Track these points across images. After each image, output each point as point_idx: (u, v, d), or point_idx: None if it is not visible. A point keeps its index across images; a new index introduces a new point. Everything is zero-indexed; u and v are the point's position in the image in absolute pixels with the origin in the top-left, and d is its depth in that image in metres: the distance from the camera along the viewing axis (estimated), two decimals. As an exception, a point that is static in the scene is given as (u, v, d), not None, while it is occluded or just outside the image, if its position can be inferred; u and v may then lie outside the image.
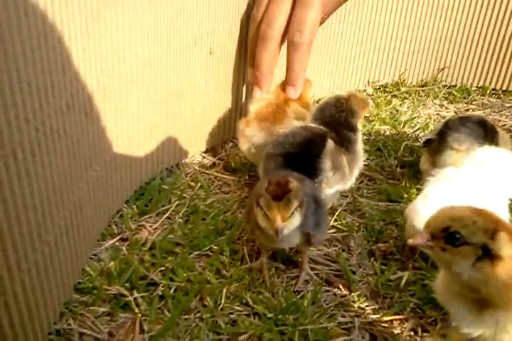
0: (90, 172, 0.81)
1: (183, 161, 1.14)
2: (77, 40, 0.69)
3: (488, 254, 0.56)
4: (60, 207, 0.70)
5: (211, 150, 1.21)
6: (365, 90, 1.51)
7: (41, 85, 0.60)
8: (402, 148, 1.23)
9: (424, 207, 0.79)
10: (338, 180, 0.91)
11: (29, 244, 0.62)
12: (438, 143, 0.99)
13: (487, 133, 0.97)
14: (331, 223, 0.97)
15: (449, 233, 0.58)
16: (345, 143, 0.94)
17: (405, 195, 1.05)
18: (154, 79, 0.94)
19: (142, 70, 0.89)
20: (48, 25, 0.62)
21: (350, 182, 0.96)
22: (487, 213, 0.59)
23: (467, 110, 1.48)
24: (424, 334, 0.76)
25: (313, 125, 0.95)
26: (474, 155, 0.86)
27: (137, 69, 0.88)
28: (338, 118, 0.96)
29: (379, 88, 1.53)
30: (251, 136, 1.01)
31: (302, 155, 0.89)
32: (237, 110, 1.20)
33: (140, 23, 0.85)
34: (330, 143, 0.91)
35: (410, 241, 0.61)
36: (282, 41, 1.03)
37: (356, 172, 0.96)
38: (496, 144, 0.95)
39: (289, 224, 0.73)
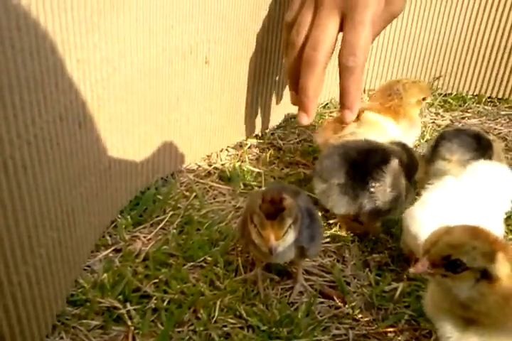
0: (84, 183, 0.80)
1: (177, 170, 1.14)
2: (71, 52, 0.69)
3: (486, 276, 0.57)
4: (52, 219, 0.69)
5: (206, 159, 1.21)
6: (361, 98, 1.51)
7: (33, 99, 0.60)
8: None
9: (421, 213, 0.80)
10: (394, 197, 0.93)
11: (20, 257, 0.62)
12: (431, 153, 0.99)
13: (480, 146, 0.97)
14: (327, 233, 0.97)
15: (450, 261, 0.58)
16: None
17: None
18: (149, 89, 0.93)
19: (137, 80, 0.89)
20: (41, 37, 0.62)
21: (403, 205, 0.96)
22: (484, 234, 0.59)
23: (463, 118, 1.49)
24: (419, 346, 0.76)
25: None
26: (473, 168, 0.87)
27: (132, 79, 0.87)
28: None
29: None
30: None
31: (364, 161, 0.92)
32: (232, 119, 1.20)
33: (135, 32, 0.85)
34: (395, 162, 0.94)
35: (412, 270, 0.61)
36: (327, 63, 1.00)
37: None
38: (489, 158, 0.95)
39: (283, 242, 0.72)
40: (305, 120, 1.03)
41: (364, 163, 0.94)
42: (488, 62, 1.53)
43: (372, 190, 0.92)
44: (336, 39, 0.98)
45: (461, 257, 0.58)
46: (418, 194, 0.93)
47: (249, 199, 0.84)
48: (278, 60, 1.23)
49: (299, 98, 1.02)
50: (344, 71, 0.96)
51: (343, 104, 1.01)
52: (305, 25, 0.97)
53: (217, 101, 1.13)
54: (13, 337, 0.63)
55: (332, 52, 0.99)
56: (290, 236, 0.72)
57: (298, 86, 1.01)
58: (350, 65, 0.95)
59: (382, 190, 0.93)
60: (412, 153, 1.01)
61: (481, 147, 0.97)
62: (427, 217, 0.81)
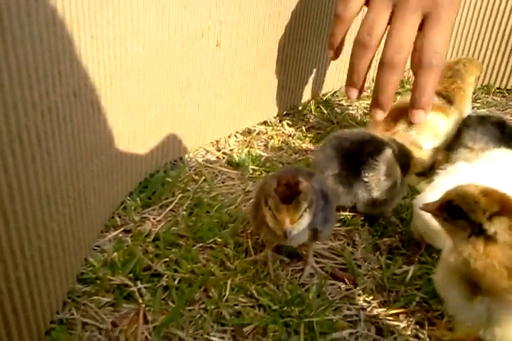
0: (95, 161, 0.80)
1: (186, 155, 1.14)
2: (85, 27, 0.69)
3: (483, 233, 0.59)
4: (64, 195, 0.69)
5: (214, 144, 1.20)
6: (368, 87, 1.51)
7: (49, 72, 0.60)
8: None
9: (433, 198, 0.79)
10: (389, 187, 0.93)
11: (33, 231, 0.62)
12: (453, 140, 0.99)
13: (504, 135, 0.96)
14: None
15: (452, 206, 0.63)
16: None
17: (410, 191, 1.05)
18: (161, 70, 0.93)
19: (149, 60, 0.88)
20: (57, 11, 0.61)
21: (399, 195, 0.97)
22: (497, 196, 0.61)
23: (471, 108, 1.48)
24: (431, 327, 0.76)
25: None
26: (489, 154, 0.86)
27: (144, 59, 0.87)
28: None
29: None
30: None
31: (358, 153, 0.93)
32: (241, 104, 1.20)
33: (148, 12, 0.84)
34: (388, 151, 0.94)
35: (422, 206, 0.67)
36: None
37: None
38: None
39: (298, 225, 0.72)
40: (380, 116, 0.99)
41: (357, 153, 0.95)
42: (497, 53, 1.53)
43: (366, 179, 0.93)
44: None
45: (461, 205, 0.61)
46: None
47: (262, 181, 0.84)
48: (289, 45, 1.22)
49: (376, 96, 0.98)
50: (426, 69, 0.93)
51: (415, 103, 0.96)
52: (379, 24, 0.94)
53: (227, 86, 1.12)
54: (25, 310, 0.63)
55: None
56: (305, 220, 0.72)
57: (363, 83, 1.00)
58: (435, 63, 0.92)
59: (376, 179, 0.93)
60: (406, 149, 1.00)
61: (505, 136, 0.96)
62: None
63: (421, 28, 0.93)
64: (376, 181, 0.93)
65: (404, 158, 0.98)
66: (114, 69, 0.79)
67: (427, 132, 1.04)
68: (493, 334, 0.61)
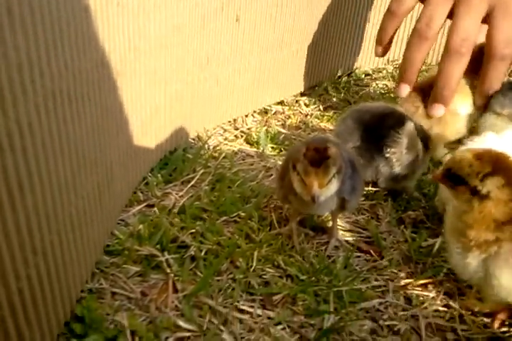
0: (121, 135, 0.80)
1: (204, 133, 1.13)
2: (112, -7, 0.68)
3: (478, 194, 0.63)
4: (93, 164, 0.69)
5: (232, 123, 1.20)
6: (384, 68, 1.50)
7: (79, 31, 0.59)
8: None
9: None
10: (411, 161, 0.92)
11: (65, 196, 0.61)
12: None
13: None
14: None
15: (451, 174, 0.66)
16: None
17: (431, 166, 1.04)
18: (182, 45, 0.92)
19: (171, 34, 0.88)
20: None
21: (420, 170, 0.95)
22: (491, 157, 0.64)
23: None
24: (460, 297, 0.75)
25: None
26: None
27: (166, 33, 0.86)
28: None
29: (398, 66, 1.51)
30: None
31: (379, 126, 0.92)
32: (260, 81, 1.19)
33: (171, -17, 0.84)
34: (410, 124, 0.93)
35: (430, 176, 0.72)
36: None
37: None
38: None
39: (326, 190, 0.71)
40: (441, 112, 1.00)
41: (379, 126, 0.93)
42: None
43: (387, 152, 0.92)
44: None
45: (458, 172, 0.64)
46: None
47: (290, 150, 0.83)
48: (307, 24, 1.22)
49: (439, 90, 0.97)
50: (498, 61, 0.93)
51: (481, 91, 0.99)
52: (439, 16, 0.94)
53: (246, 63, 1.12)
54: (58, 278, 0.62)
55: None
56: (333, 186, 0.71)
57: (416, 78, 1.00)
58: (508, 53, 0.92)
59: (398, 153, 0.92)
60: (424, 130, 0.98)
61: None
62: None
63: (485, 20, 0.93)
64: (398, 154, 0.92)
65: (423, 133, 0.97)
66: (138, 42, 0.79)
67: (463, 97, 1.02)
68: (492, 288, 0.65)
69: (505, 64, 0.94)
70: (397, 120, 0.94)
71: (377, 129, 0.94)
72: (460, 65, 0.93)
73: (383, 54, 1.07)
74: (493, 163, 0.63)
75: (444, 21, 0.96)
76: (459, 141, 0.98)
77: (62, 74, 0.56)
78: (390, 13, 1.01)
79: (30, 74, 0.50)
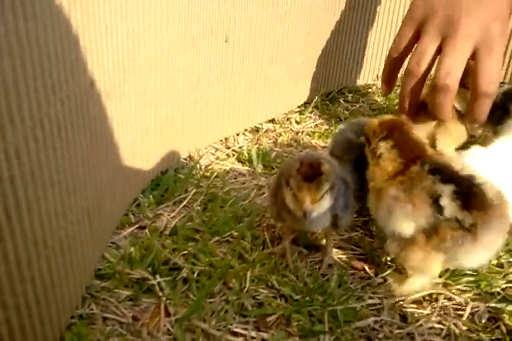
0: (110, 156, 0.79)
1: (196, 153, 1.13)
2: (100, 17, 0.69)
3: (375, 154, 0.79)
4: (82, 188, 0.68)
5: (223, 142, 1.20)
6: (374, 85, 1.51)
7: (67, 57, 0.60)
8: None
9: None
10: None
11: (55, 221, 0.61)
12: (501, 113, 1.01)
13: None
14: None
15: (366, 138, 0.82)
16: None
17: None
18: (172, 66, 0.93)
19: (160, 56, 0.88)
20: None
21: None
22: (388, 124, 0.79)
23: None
24: (456, 312, 0.75)
25: None
26: (503, 139, 0.87)
27: (156, 54, 0.87)
28: None
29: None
30: None
31: None
32: (250, 100, 1.20)
33: (159, 6, 0.84)
34: None
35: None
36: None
37: None
38: None
39: (319, 206, 0.71)
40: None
41: None
42: None
43: None
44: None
45: (366, 135, 0.81)
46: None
47: (283, 166, 0.84)
48: (298, 41, 1.23)
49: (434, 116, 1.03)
50: (482, 96, 0.99)
51: (469, 120, 1.04)
52: (428, 55, 1.00)
53: (236, 81, 1.12)
54: (47, 302, 0.62)
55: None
56: (326, 202, 0.71)
57: (414, 106, 1.06)
58: (491, 91, 0.98)
59: None
60: None
61: None
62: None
63: (473, 57, 0.99)
64: None
65: None
66: (128, 63, 0.79)
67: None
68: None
69: (489, 100, 0.99)
70: None
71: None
72: (447, 98, 0.99)
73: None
74: (388, 129, 0.79)
75: (434, 59, 1.02)
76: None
77: (50, 101, 0.56)
78: (410, 74, 1.04)
79: (18, 102, 0.50)
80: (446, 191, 0.70)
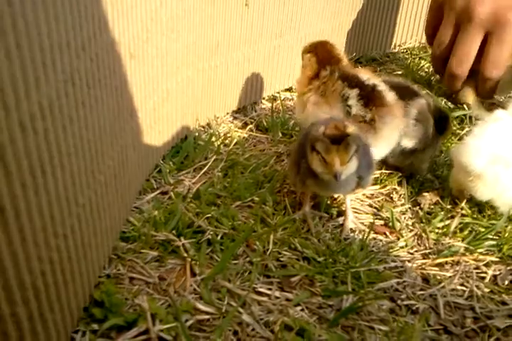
0: (134, 118, 0.79)
1: (214, 121, 1.13)
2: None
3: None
4: (109, 147, 0.69)
5: (241, 110, 1.20)
6: (391, 53, 1.49)
7: (95, 12, 0.59)
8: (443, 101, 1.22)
9: (474, 145, 0.79)
10: (420, 135, 0.90)
11: (85, 179, 0.61)
12: None
13: None
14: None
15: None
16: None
17: (445, 149, 1.04)
18: (193, 29, 0.92)
19: (182, 17, 0.87)
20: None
21: (430, 149, 0.94)
22: (317, 43, 0.97)
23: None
24: (478, 274, 0.75)
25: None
26: None
27: (177, 16, 0.86)
28: None
29: (405, 51, 1.51)
30: None
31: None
32: (269, 68, 1.18)
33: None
34: (422, 100, 0.93)
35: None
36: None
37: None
38: None
39: (347, 168, 0.71)
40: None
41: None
42: None
43: None
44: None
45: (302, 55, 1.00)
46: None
47: (302, 133, 0.83)
48: (316, 7, 1.21)
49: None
50: (486, 80, 1.11)
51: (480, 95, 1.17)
52: (446, 40, 1.12)
53: (255, 49, 1.11)
54: (78, 259, 0.62)
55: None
56: (353, 164, 0.71)
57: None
58: (494, 77, 1.09)
59: (405, 122, 0.89)
60: (444, 111, 0.98)
61: None
62: (479, 150, 0.80)
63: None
64: (405, 124, 0.90)
65: (440, 116, 0.96)
66: (150, 24, 0.79)
67: None
68: None
69: (492, 83, 1.11)
70: (410, 93, 0.93)
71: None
72: (457, 83, 1.15)
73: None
74: (314, 46, 0.96)
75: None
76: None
77: (80, 57, 0.56)
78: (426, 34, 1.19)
79: (51, 54, 0.50)
80: (352, 94, 0.86)
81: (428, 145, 0.93)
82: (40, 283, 0.54)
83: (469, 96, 1.16)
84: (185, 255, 0.76)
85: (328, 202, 0.90)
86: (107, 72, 0.65)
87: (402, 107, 0.88)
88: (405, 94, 0.92)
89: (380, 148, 0.87)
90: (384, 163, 0.96)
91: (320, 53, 0.94)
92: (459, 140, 1.06)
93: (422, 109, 0.92)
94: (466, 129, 1.10)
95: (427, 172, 0.97)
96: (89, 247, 0.66)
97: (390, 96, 0.88)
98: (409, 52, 1.51)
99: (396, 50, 1.51)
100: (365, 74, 0.90)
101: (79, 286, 0.64)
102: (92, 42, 0.59)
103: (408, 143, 0.91)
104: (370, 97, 0.86)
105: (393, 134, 0.87)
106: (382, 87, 0.88)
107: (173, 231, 0.80)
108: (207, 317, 0.67)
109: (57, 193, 0.55)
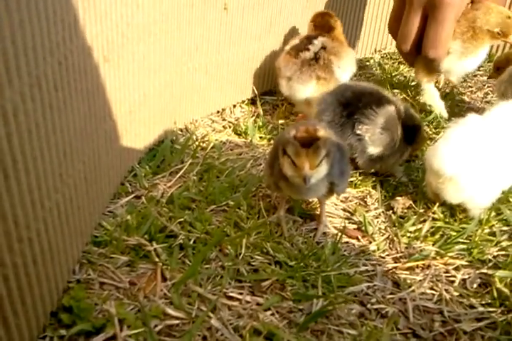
0: (108, 121, 0.79)
1: (192, 124, 1.13)
2: (97, -21, 0.68)
3: None
4: (79, 151, 0.68)
5: (220, 114, 1.20)
6: (372, 58, 1.50)
7: (65, 17, 0.59)
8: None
9: (445, 149, 0.80)
10: (386, 143, 0.91)
11: (51, 183, 0.61)
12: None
13: None
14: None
15: None
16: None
17: (419, 153, 1.05)
18: (171, 33, 0.92)
19: (159, 21, 0.87)
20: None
21: (397, 154, 0.95)
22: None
23: (475, 76, 1.48)
24: (448, 278, 0.76)
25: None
26: (500, 107, 0.87)
27: (155, 20, 0.86)
28: None
29: (385, 56, 1.52)
30: None
31: (357, 103, 0.93)
32: (247, 72, 1.19)
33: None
34: (391, 107, 0.93)
35: None
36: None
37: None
38: None
39: (317, 172, 0.71)
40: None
41: (357, 102, 0.93)
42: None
43: (360, 127, 0.92)
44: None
45: None
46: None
47: (278, 136, 0.84)
48: (295, 11, 1.21)
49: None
50: (427, 60, 1.13)
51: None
52: (397, 20, 1.17)
53: (235, 52, 1.11)
54: (44, 263, 0.62)
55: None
56: (323, 168, 0.72)
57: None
58: (431, 56, 1.11)
59: (371, 130, 0.91)
60: (416, 118, 0.98)
61: None
62: (451, 152, 0.81)
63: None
64: (371, 133, 0.91)
65: (413, 124, 0.96)
66: (126, 28, 0.78)
67: None
68: None
69: (434, 63, 1.16)
70: (378, 100, 0.94)
71: (355, 106, 0.93)
72: (406, 56, 1.21)
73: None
74: (315, 16, 1.16)
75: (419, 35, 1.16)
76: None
77: (47, 60, 0.56)
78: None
79: (16, 59, 0.50)
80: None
81: (395, 151, 0.94)
82: (2, 288, 0.53)
83: (418, 74, 1.20)
84: (157, 260, 0.76)
85: (303, 206, 0.90)
86: (77, 75, 0.65)
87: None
88: (372, 101, 0.93)
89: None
90: (355, 168, 0.97)
91: (318, 22, 1.14)
92: (434, 144, 1.07)
93: (390, 117, 0.92)
94: (442, 133, 1.11)
95: (402, 174, 0.98)
96: (57, 251, 0.65)
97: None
98: (388, 56, 1.52)
99: (376, 55, 1.52)
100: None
101: (45, 291, 0.63)
102: (61, 47, 0.59)
103: (374, 151, 0.92)
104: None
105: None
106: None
107: (145, 236, 0.79)
108: (176, 322, 0.67)
109: (21, 197, 0.54)
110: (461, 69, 1.16)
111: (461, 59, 1.13)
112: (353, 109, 0.93)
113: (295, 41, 1.13)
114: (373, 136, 0.91)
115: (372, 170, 0.98)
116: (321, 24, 1.15)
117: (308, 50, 1.09)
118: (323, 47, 1.10)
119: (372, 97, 0.93)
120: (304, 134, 0.69)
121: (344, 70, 1.13)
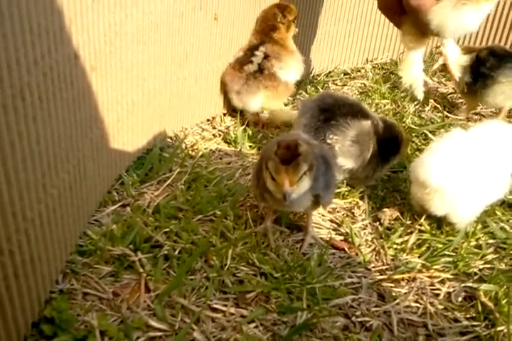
0: (95, 130, 0.79)
1: (182, 132, 1.13)
2: (85, -11, 0.67)
3: None
4: (64, 161, 0.68)
5: (210, 122, 1.20)
6: (363, 68, 1.51)
7: (50, 28, 0.58)
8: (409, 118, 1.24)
9: (430, 163, 0.80)
10: (355, 156, 0.91)
11: (34, 193, 0.60)
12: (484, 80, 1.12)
13: None
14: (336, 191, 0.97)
15: None
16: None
17: (407, 164, 1.05)
18: (160, 42, 0.92)
19: (148, 30, 0.87)
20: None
21: (363, 173, 0.94)
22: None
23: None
24: (434, 291, 0.76)
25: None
26: (485, 123, 0.87)
27: (143, 29, 0.86)
28: None
29: (377, 66, 1.53)
30: None
31: (334, 112, 0.92)
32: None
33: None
34: (367, 123, 0.93)
35: None
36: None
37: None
38: None
39: (298, 188, 0.71)
40: None
41: (334, 112, 0.93)
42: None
43: (330, 136, 0.91)
44: None
45: None
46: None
47: (264, 148, 0.83)
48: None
49: None
50: (408, 10, 0.93)
51: None
52: None
53: (225, 61, 1.11)
54: (26, 275, 0.61)
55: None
56: (305, 183, 0.71)
57: None
58: (414, 4, 0.91)
59: (341, 142, 0.91)
60: (397, 131, 0.97)
61: None
62: (436, 164, 0.81)
63: None
64: (341, 144, 0.91)
65: (392, 138, 0.96)
66: (114, 37, 0.78)
67: None
68: None
69: (419, 16, 0.94)
70: (355, 112, 0.93)
71: (332, 112, 0.93)
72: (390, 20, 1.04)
73: None
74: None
75: None
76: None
77: (31, 72, 0.55)
78: None
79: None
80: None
81: (365, 165, 0.93)
82: (-19, 301, 0.53)
83: (404, 37, 0.98)
84: (141, 270, 0.75)
85: (291, 216, 0.90)
86: (63, 85, 0.64)
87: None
88: (351, 113, 0.92)
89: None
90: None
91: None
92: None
93: (362, 132, 0.92)
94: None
95: (371, 183, 0.98)
96: (39, 262, 0.65)
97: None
98: (380, 66, 1.53)
99: (367, 65, 1.53)
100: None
101: (27, 302, 0.62)
102: (46, 57, 0.59)
103: (343, 162, 0.92)
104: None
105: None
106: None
107: (130, 246, 0.79)
108: (159, 334, 0.67)
109: (2, 209, 0.54)
110: (457, 23, 0.89)
111: (457, 7, 0.87)
112: (330, 116, 0.92)
113: (239, 54, 1.12)
114: (343, 148, 0.91)
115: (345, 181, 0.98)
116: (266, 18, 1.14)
117: (251, 62, 1.10)
118: (266, 57, 1.11)
119: (351, 109, 0.93)
120: (284, 150, 0.69)
121: (287, 71, 1.14)
